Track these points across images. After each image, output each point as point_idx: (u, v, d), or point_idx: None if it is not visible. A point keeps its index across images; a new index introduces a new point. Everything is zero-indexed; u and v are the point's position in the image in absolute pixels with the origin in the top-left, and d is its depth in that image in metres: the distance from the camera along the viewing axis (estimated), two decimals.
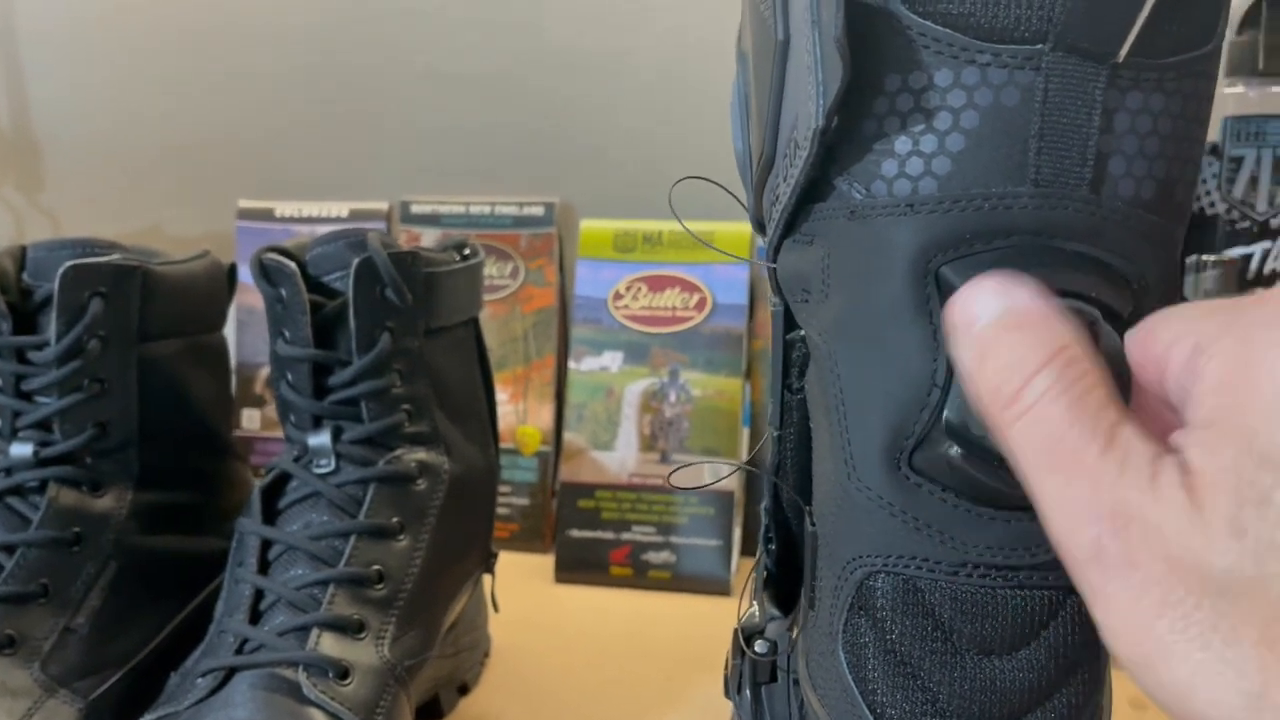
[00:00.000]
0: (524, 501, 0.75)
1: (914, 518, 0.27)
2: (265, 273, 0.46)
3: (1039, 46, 0.25)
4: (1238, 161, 0.52)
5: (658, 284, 0.73)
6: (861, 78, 0.26)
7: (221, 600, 0.45)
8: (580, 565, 0.70)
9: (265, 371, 0.78)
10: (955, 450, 0.26)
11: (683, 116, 0.78)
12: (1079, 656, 0.28)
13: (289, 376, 0.47)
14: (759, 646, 0.36)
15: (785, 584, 0.39)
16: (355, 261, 0.45)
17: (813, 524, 0.31)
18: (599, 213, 0.76)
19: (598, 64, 0.78)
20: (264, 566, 0.45)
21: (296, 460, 0.47)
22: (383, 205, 0.79)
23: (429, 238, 0.78)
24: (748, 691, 0.35)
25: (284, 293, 0.46)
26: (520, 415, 0.76)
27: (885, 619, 0.28)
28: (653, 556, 0.69)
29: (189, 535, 0.51)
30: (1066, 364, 0.23)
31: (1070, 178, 0.25)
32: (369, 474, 0.46)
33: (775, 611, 0.39)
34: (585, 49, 0.78)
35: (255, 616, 0.43)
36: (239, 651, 0.42)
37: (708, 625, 0.63)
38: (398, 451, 0.47)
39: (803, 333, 0.33)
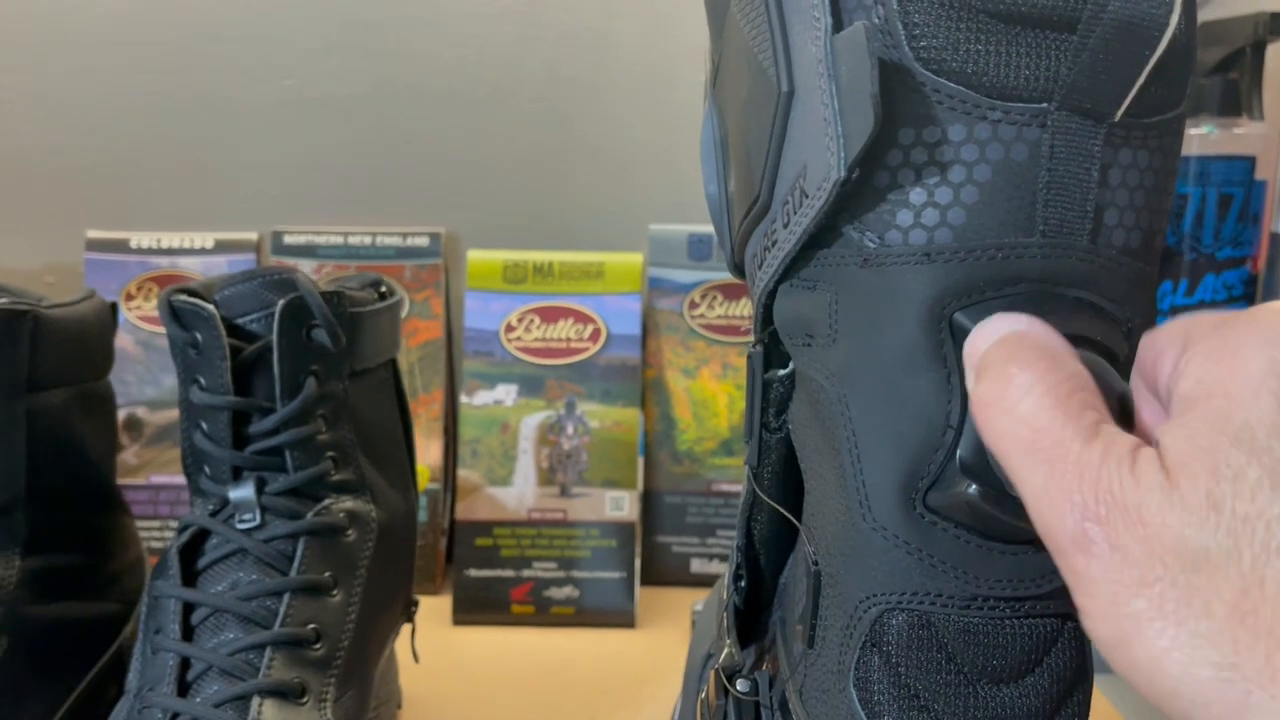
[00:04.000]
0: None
1: (929, 555, 0.28)
2: (176, 316, 0.43)
3: (1045, 105, 0.26)
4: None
5: (550, 315, 0.72)
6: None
7: (135, 672, 0.42)
8: (480, 605, 0.68)
9: (124, 414, 0.73)
10: (972, 489, 0.27)
11: (568, 146, 0.77)
12: (1076, 678, 0.29)
13: (204, 426, 0.44)
14: (741, 686, 0.36)
15: (749, 620, 0.40)
16: (281, 302, 0.43)
17: (815, 564, 0.31)
18: (485, 243, 0.75)
19: (482, 92, 0.77)
20: (188, 632, 0.41)
21: (214, 515, 0.44)
22: (252, 235, 0.76)
23: (304, 270, 0.74)
24: None
25: (200, 337, 0.43)
26: None
27: (898, 655, 0.29)
28: (555, 592, 0.68)
29: (82, 600, 0.47)
30: (1051, 367, 0.24)
31: (1073, 229, 0.27)
32: (298, 527, 0.44)
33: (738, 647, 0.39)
34: (467, 76, 0.76)
35: (184, 688, 0.40)
36: None
37: (618, 660, 0.63)
38: (325, 502, 0.45)
39: (781, 372, 0.34)
